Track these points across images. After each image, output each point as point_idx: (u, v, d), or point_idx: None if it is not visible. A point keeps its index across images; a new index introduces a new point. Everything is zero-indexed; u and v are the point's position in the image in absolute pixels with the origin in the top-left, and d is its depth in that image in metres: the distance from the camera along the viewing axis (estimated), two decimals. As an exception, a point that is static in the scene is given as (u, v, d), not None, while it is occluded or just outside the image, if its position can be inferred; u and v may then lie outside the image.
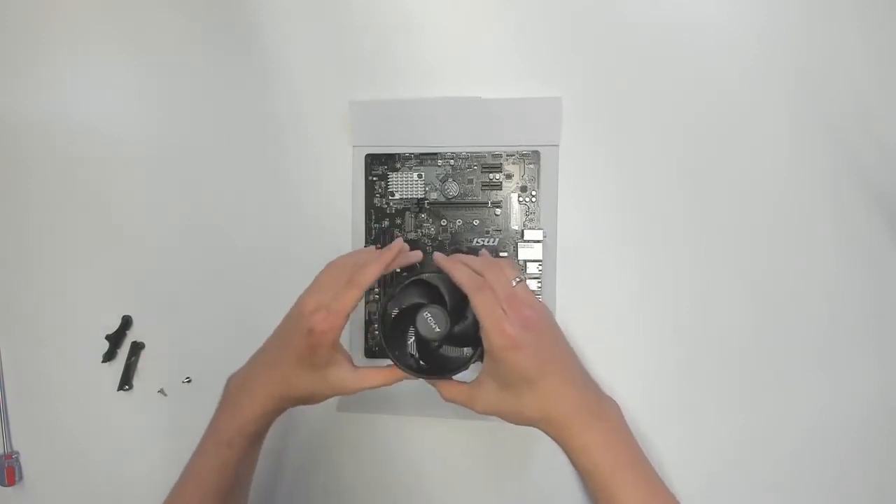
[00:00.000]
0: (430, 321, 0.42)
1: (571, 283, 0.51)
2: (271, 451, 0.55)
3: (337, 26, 0.54)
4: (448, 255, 0.52)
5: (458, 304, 0.43)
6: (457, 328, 0.43)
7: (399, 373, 0.43)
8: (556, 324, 0.44)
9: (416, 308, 0.42)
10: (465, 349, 0.44)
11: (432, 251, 0.53)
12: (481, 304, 0.40)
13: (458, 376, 0.43)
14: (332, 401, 0.53)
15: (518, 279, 0.42)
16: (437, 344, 0.44)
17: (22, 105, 0.59)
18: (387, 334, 0.43)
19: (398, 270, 0.50)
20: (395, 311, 0.44)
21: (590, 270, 0.51)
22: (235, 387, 0.46)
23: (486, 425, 0.52)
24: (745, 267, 0.50)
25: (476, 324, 0.41)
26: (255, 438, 0.46)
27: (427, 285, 0.44)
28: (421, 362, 0.44)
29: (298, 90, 0.55)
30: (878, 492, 0.49)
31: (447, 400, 0.43)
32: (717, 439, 0.50)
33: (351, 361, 0.44)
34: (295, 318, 0.43)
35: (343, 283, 0.42)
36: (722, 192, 0.50)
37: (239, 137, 0.56)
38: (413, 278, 0.44)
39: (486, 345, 0.40)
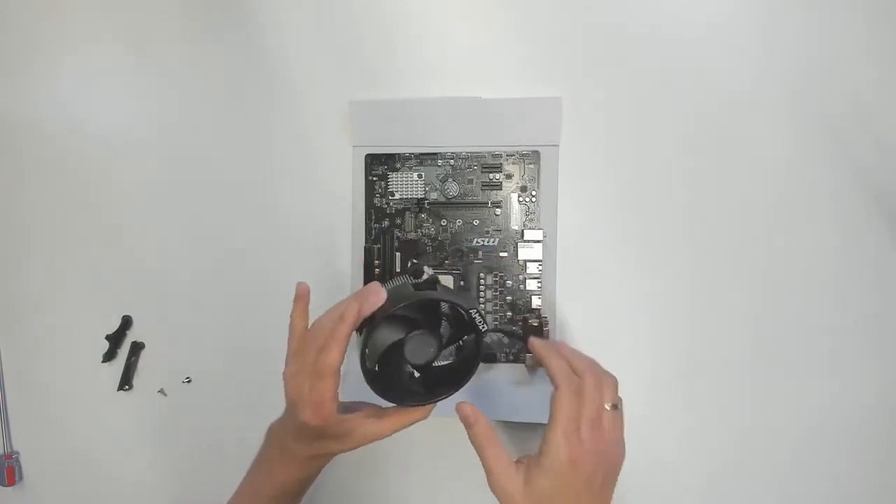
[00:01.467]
0: (420, 347, 0.40)
1: (571, 283, 0.51)
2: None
3: (337, 26, 0.55)
4: (448, 255, 0.52)
5: (434, 322, 0.42)
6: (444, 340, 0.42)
7: (428, 409, 0.42)
8: (618, 467, 0.40)
9: (398, 344, 0.40)
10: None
11: (432, 251, 0.53)
12: (564, 404, 0.38)
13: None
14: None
15: (613, 404, 0.39)
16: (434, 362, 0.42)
17: (21, 105, 0.59)
18: (379, 386, 0.40)
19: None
20: (379, 356, 0.41)
21: (590, 270, 0.51)
22: (270, 441, 0.45)
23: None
24: (746, 267, 0.50)
25: (458, 320, 0.40)
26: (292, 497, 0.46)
27: (396, 318, 0.41)
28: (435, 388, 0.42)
29: (298, 90, 0.55)
30: (879, 492, 0.49)
31: (495, 485, 0.39)
32: (718, 439, 0.50)
33: (370, 407, 0.43)
34: (287, 401, 0.42)
35: (310, 371, 0.40)
36: (722, 191, 0.50)
37: (239, 137, 0.56)
38: (377, 322, 0.40)
39: (544, 448, 0.38)
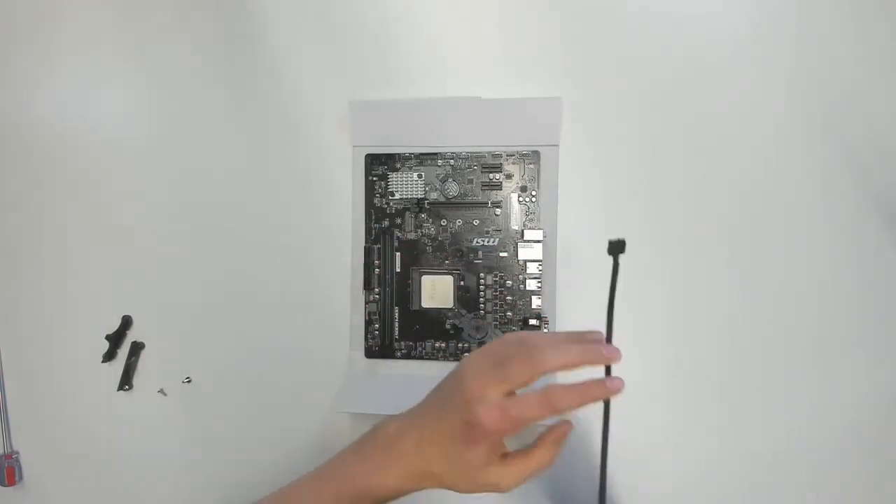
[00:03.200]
0: None
1: (571, 283, 0.51)
2: (270, 451, 0.55)
3: (337, 26, 0.55)
4: (448, 255, 0.52)
5: None
6: None
7: (553, 450, 0.38)
8: None
9: None
10: None
11: (432, 251, 0.53)
12: None
13: None
14: (332, 401, 0.53)
15: None
16: None
17: (21, 105, 0.59)
18: None
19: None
20: None
21: (590, 270, 0.51)
22: (381, 440, 0.40)
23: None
24: (746, 266, 0.50)
25: None
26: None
27: None
28: None
29: (298, 90, 0.55)
30: (879, 491, 0.49)
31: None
32: (718, 439, 0.50)
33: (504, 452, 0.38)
34: (455, 392, 0.36)
35: (528, 373, 0.34)
36: (722, 191, 0.50)
37: (239, 138, 0.56)
38: None
39: None
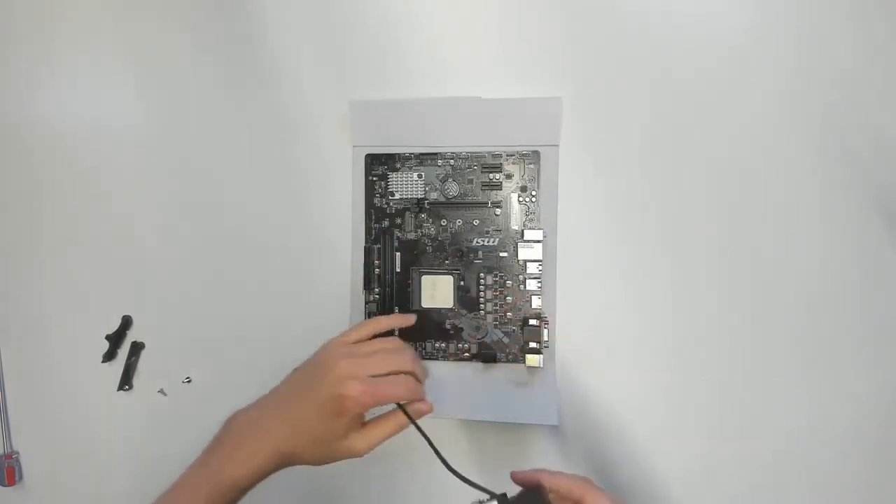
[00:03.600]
0: None
1: (571, 283, 0.51)
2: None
3: (337, 26, 0.55)
4: (448, 255, 0.52)
5: None
6: None
7: (406, 420, 0.43)
8: None
9: None
10: None
11: (432, 251, 0.53)
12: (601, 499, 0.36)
13: None
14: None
15: None
16: None
17: (21, 105, 0.59)
18: None
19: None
20: None
21: (590, 270, 0.51)
22: (241, 430, 0.43)
23: (486, 425, 0.52)
24: (746, 266, 0.50)
25: None
26: (241, 495, 0.42)
27: None
28: None
29: (298, 90, 0.55)
30: (880, 491, 0.49)
31: None
32: (719, 439, 0.50)
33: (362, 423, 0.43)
34: (323, 373, 0.41)
35: (386, 366, 0.42)
36: (722, 190, 0.50)
37: (239, 138, 0.56)
38: None
39: None
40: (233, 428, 0.43)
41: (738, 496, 0.50)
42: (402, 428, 0.44)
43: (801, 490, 0.49)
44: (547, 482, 0.38)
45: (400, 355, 0.43)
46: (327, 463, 0.43)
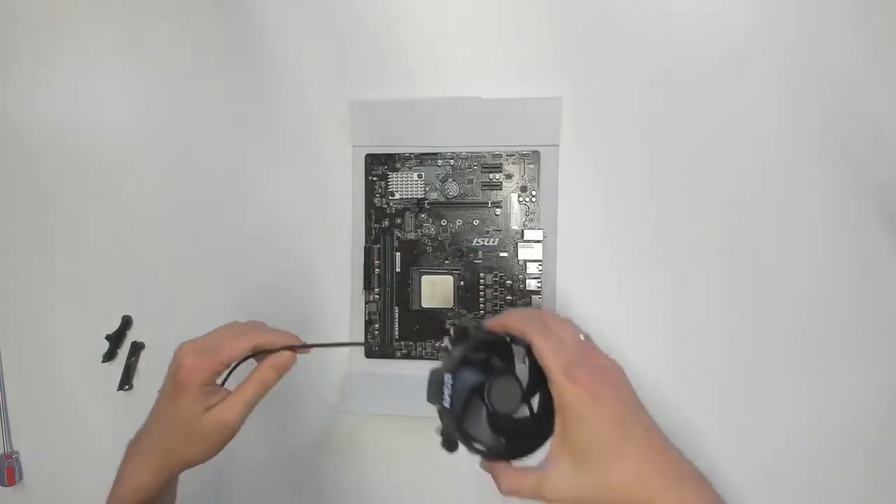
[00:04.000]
0: (504, 393, 0.35)
1: (572, 284, 0.51)
2: (270, 451, 0.55)
3: (337, 26, 0.55)
4: (448, 255, 0.52)
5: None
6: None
7: (270, 373, 0.41)
8: (630, 385, 0.35)
9: (477, 388, 0.35)
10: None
11: (432, 251, 0.53)
12: (548, 349, 0.33)
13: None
14: (333, 401, 0.53)
15: (585, 335, 0.36)
16: (508, 422, 0.36)
17: (22, 105, 0.59)
18: (460, 414, 0.35)
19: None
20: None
21: (590, 270, 0.51)
22: (127, 455, 0.43)
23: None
24: (747, 266, 0.50)
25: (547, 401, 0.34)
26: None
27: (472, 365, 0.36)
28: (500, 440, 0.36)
29: (298, 90, 0.55)
30: (881, 492, 0.49)
31: (506, 493, 0.35)
32: (718, 439, 0.50)
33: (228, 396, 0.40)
34: (169, 369, 0.40)
35: (232, 336, 0.41)
36: (722, 190, 0.50)
37: (239, 138, 0.56)
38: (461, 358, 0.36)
39: (557, 402, 0.33)
40: (126, 452, 0.44)
41: (738, 496, 0.50)
42: (265, 385, 0.41)
43: (802, 490, 0.49)
44: (499, 328, 0.36)
45: (241, 326, 0.42)
46: (212, 450, 0.41)
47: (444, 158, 0.53)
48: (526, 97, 0.51)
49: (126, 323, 0.58)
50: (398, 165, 0.53)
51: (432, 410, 0.52)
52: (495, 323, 0.37)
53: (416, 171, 0.53)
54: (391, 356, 0.54)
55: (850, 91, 0.49)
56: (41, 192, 0.59)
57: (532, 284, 0.52)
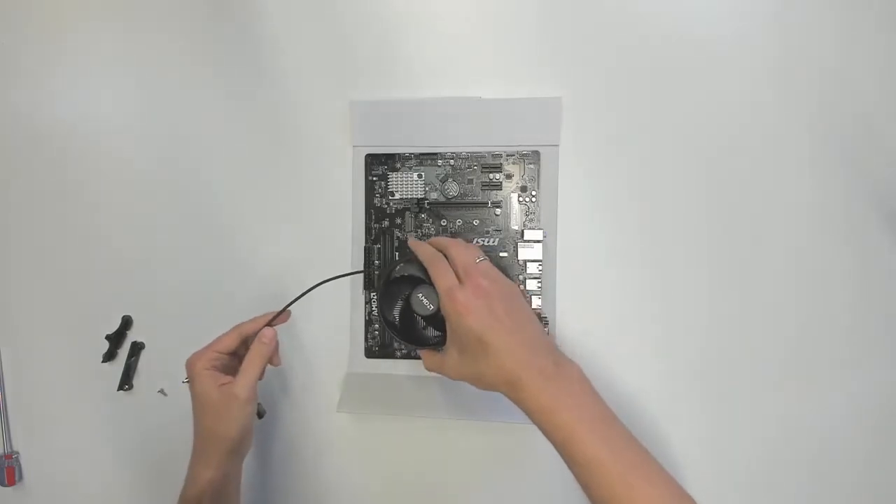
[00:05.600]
0: (424, 299, 0.45)
1: (571, 283, 0.51)
2: (270, 451, 0.55)
3: (337, 26, 0.55)
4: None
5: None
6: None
7: (259, 348, 0.48)
8: (516, 295, 0.44)
9: (407, 283, 0.46)
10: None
11: (432, 251, 0.53)
12: (437, 274, 0.44)
13: None
14: (333, 401, 0.53)
15: (481, 258, 0.45)
16: (421, 322, 0.47)
17: (23, 107, 0.59)
18: (383, 291, 0.48)
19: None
20: (394, 274, 0.47)
21: (590, 270, 0.51)
22: (190, 462, 0.49)
23: (485, 425, 0.52)
24: (747, 266, 0.50)
25: None
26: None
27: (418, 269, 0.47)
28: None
29: (298, 90, 0.55)
30: (882, 492, 0.49)
31: (427, 368, 0.47)
32: (719, 439, 0.50)
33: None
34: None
35: (224, 332, 0.49)
36: (723, 190, 0.50)
37: (239, 138, 0.56)
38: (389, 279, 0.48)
39: (443, 311, 0.43)
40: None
41: (738, 496, 0.50)
42: (263, 357, 0.48)
43: (802, 490, 0.49)
44: (415, 247, 0.47)
45: (235, 326, 0.50)
46: (238, 421, 0.47)
47: (444, 158, 0.53)
48: (526, 97, 0.51)
49: (126, 323, 0.58)
50: (398, 165, 0.53)
51: (432, 411, 0.52)
52: (413, 248, 0.48)
53: (416, 171, 0.53)
54: (391, 356, 0.54)
55: (851, 91, 0.49)
56: (41, 192, 0.59)
57: (532, 284, 0.52)
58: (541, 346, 0.42)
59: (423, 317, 0.46)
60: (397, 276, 0.47)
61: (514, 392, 0.41)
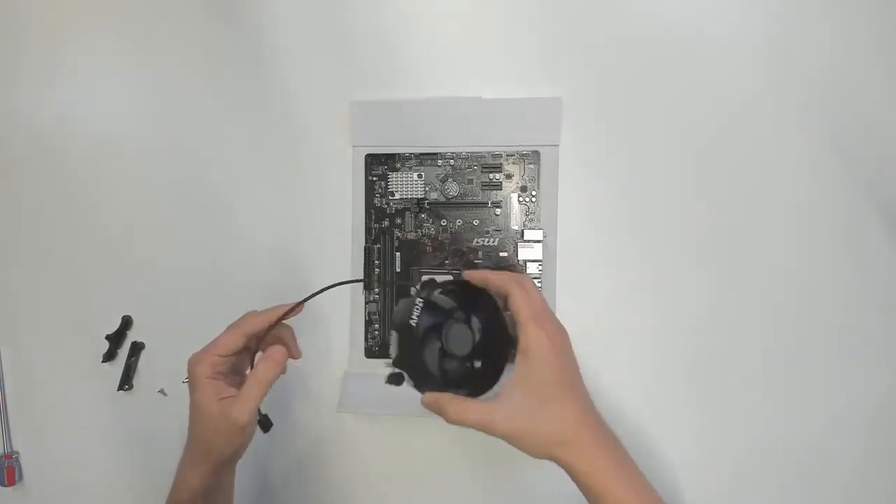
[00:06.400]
0: (459, 337, 0.39)
1: (571, 283, 0.51)
2: (270, 452, 0.55)
3: (336, 26, 0.55)
4: (448, 255, 0.52)
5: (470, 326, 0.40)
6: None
7: (268, 366, 0.43)
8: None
9: (436, 326, 0.39)
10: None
11: (432, 251, 0.53)
12: (522, 299, 0.39)
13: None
14: (333, 401, 0.53)
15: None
16: (459, 364, 0.40)
17: (24, 106, 0.59)
18: (410, 349, 0.39)
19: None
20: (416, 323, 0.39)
21: (590, 270, 0.51)
22: (179, 464, 0.46)
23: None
24: (747, 266, 0.50)
25: (495, 342, 0.39)
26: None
27: (434, 308, 0.40)
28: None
29: (298, 90, 0.55)
30: (883, 492, 0.49)
31: (454, 420, 0.39)
32: (719, 439, 0.50)
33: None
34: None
35: (225, 331, 0.45)
36: (723, 190, 0.50)
37: (239, 138, 0.56)
38: (423, 299, 0.39)
39: (522, 344, 0.38)
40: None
41: (734, 495, 0.50)
42: (268, 380, 0.43)
43: (795, 489, 0.49)
44: (479, 279, 0.41)
45: (235, 322, 0.45)
46: (234, 442, 0.43)
47: (444, 158, 0.53)
48: (526, 97, 0.51)
49: (126, 323, 0.58)
50: (398, 165, 0.53)
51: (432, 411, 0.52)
52: (475, 275, 0.42)
53: (416, 171, 0.53)
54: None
55: (850, 90, 0.49)
56: (42, 193, 0.59)
57: (532, 284, 0.52)
58: (593, 406, 0.40)
59: (456, 358, 0.39)
60: (414, 321, 0.39)
61: (566, 453, 0.38)
